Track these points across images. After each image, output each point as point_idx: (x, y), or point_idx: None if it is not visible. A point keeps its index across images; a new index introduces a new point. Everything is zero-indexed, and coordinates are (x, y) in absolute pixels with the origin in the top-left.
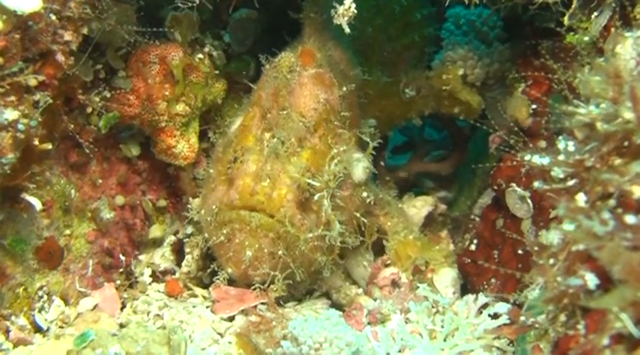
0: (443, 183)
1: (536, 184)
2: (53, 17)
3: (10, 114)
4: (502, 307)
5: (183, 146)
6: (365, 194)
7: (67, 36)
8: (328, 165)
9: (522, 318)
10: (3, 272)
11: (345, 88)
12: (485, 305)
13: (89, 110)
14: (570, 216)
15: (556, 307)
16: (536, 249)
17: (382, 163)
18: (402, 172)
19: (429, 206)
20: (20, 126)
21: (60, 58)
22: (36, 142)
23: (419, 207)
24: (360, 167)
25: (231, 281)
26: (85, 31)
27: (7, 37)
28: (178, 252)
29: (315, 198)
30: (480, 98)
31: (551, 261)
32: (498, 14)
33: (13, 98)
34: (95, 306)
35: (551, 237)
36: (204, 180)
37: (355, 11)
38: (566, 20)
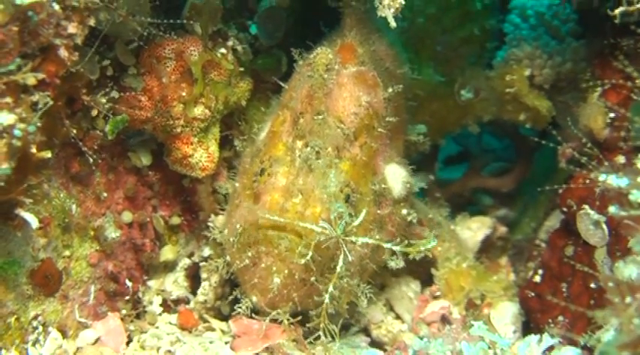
0: (503, 200)
1: (611, 209)
2: (56, 7)
3: (5, 118)
4: (570, 351)
5: (201, 155)
6: (405, 211)
7: (72, 28)
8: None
9: None
10: None
11: (390, 89)
12: (550, 348)
13: (94, 113)
14: None
15: (633, 354)
16: (610, 284)
17: (432, 177)
18: (456, 187)
19: (487, 228)
20: (16, 132)
21: (63, 53)
22: (33, 150)
23: (474, 230)
24: (400, 181)
25: (254, 313)
26: (91, 22)
27: (3, 29)
28: (193, 277)
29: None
30: (550, 103)
31: (628, 299)
32: (572, 6)
33: (8, 99)
34: (97, 340)
35: (629, 270)
36: (229, 195)
37: (403, 1)
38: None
